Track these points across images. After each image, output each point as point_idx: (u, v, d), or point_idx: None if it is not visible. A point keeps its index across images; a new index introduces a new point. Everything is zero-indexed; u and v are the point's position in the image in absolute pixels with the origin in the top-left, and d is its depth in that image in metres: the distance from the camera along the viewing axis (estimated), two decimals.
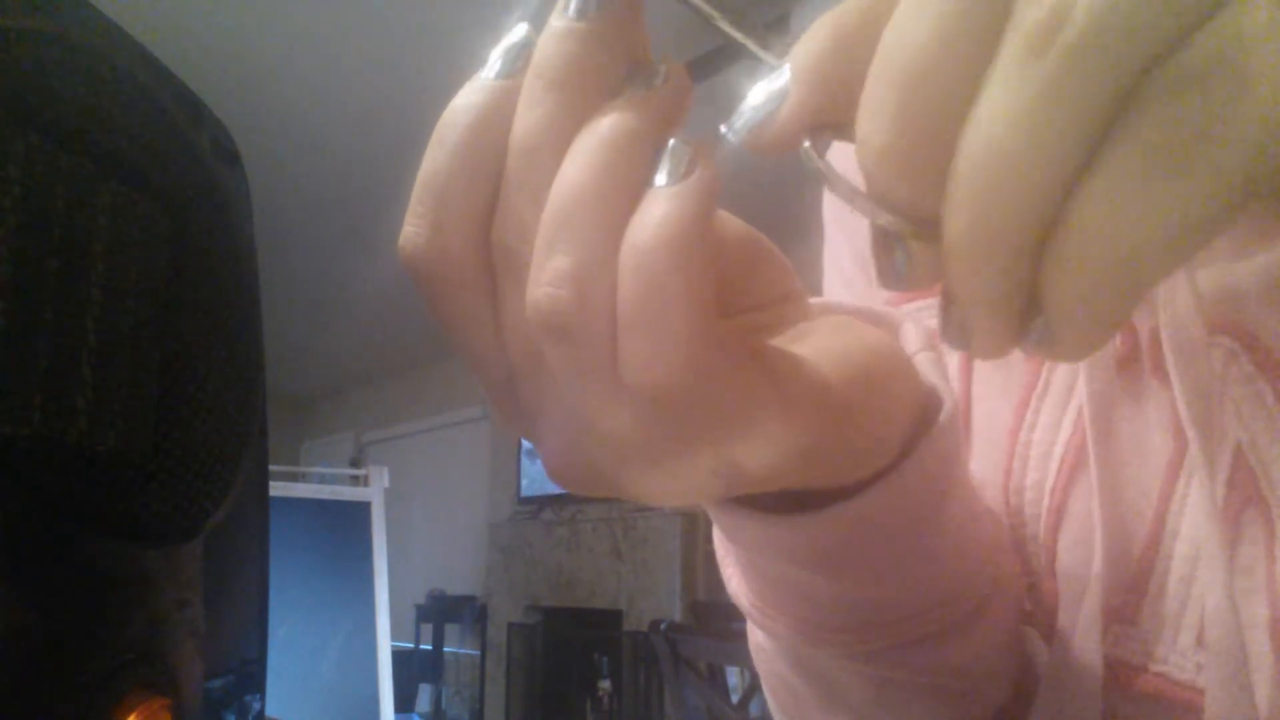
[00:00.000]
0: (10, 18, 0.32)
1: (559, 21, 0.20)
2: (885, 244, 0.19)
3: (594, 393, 0.19)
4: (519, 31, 0.21)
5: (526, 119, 0.20)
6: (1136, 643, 0.31)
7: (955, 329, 0.19)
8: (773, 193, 2.96)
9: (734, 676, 2.52)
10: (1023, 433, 0.35)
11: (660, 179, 0.19)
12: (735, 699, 2.00)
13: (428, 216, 0.20)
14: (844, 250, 0.49)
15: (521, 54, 0.20)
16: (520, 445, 4.61)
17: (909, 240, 0.19)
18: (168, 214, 0.38)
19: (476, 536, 5.05)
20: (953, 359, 0.39)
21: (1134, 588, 0.31)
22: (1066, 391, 0.34)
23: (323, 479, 4.50)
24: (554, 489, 4.37)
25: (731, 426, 0.19)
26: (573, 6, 0.20)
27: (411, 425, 5.85)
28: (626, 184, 0.19)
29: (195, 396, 0.38)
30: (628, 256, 0.18)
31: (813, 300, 0.28)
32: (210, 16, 2.44)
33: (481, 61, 0.21)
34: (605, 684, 4.06)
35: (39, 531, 0.31)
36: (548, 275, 0.18)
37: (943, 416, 0.26)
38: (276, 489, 2.99)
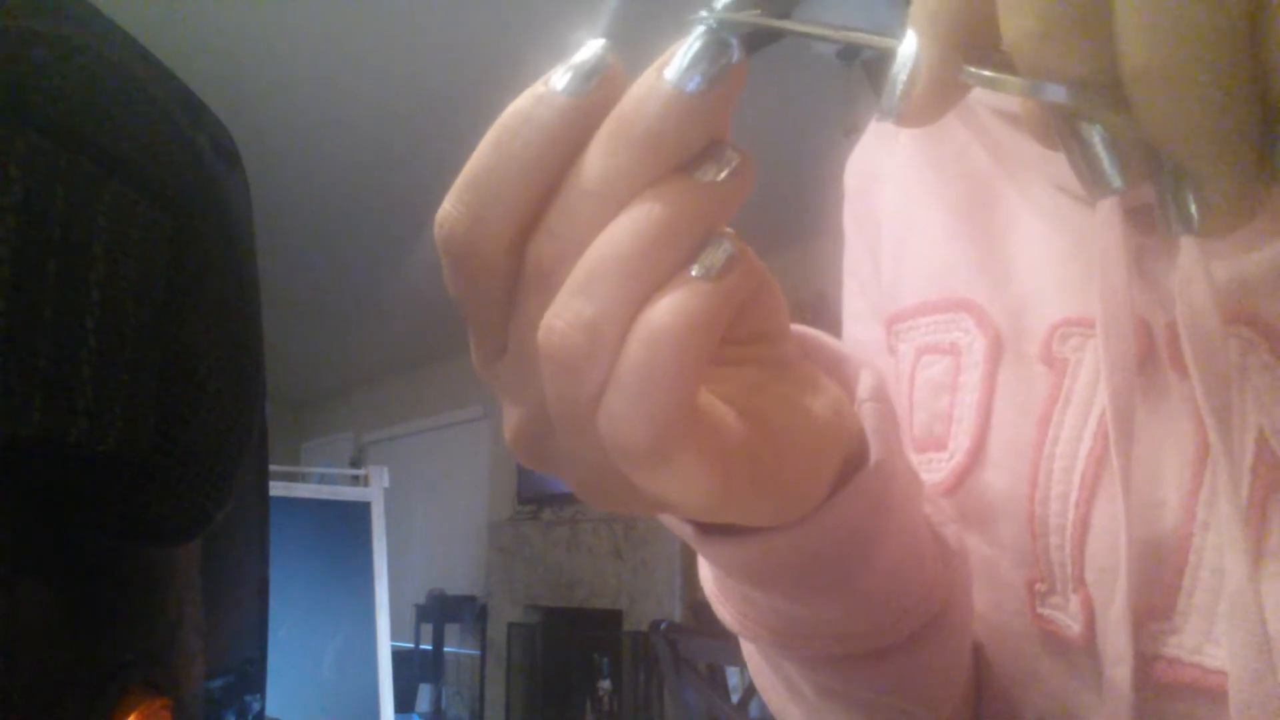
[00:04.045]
0: (11, 18, 0.32)
1: (662, 84, 0.19)
2: (1084, 150, 0.19)
3: (566, 412, 0.21)
4: (595, 47, 0.21)
5: (598, 164, 0.20)
6: (1172, 636, 0.32)
7: (1176, 203, 0.18)
8: (782, 194, 2.96)
9: (734, 676, 2.52)
10: (1046, 446, 0.35)
11: (695, 268, 0.19)
12: (735, 699, 2.00)
13: (471, 206, 0.21)
14: (862, 257, 0.49)
15: (595, 74, 0.20)
16: None
17: (1107, 122, 0.18)
18: (168, 214, 0.38)
19: (476, 536, 5.05)
20: (973, 373, 0.39)
21: (1168, 582, 0.32)
22: (1087, 403, 0.35)
23: (323, 479, 4.50)
24: (554, 489, 4.37)
25: (664, 473, 0.20)
26: (678, 72, 0.19)
27: (411, 425, 5.85)
28: (667, 262, 0.19)
29: (195, 396, 0.38)
30: (641, 326, 0.19)
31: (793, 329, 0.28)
32: (210, 17, 2.44)
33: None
34: (605, 684, 4.06)
35: (39, 531, 0.31)
36: (569, 314, 0.19)
37: (865, 471, 0.27)
38: (276, 489, 2.99)
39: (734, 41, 0.20)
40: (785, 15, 0.21)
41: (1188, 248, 0.30)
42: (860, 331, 0.49)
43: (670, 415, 0.19)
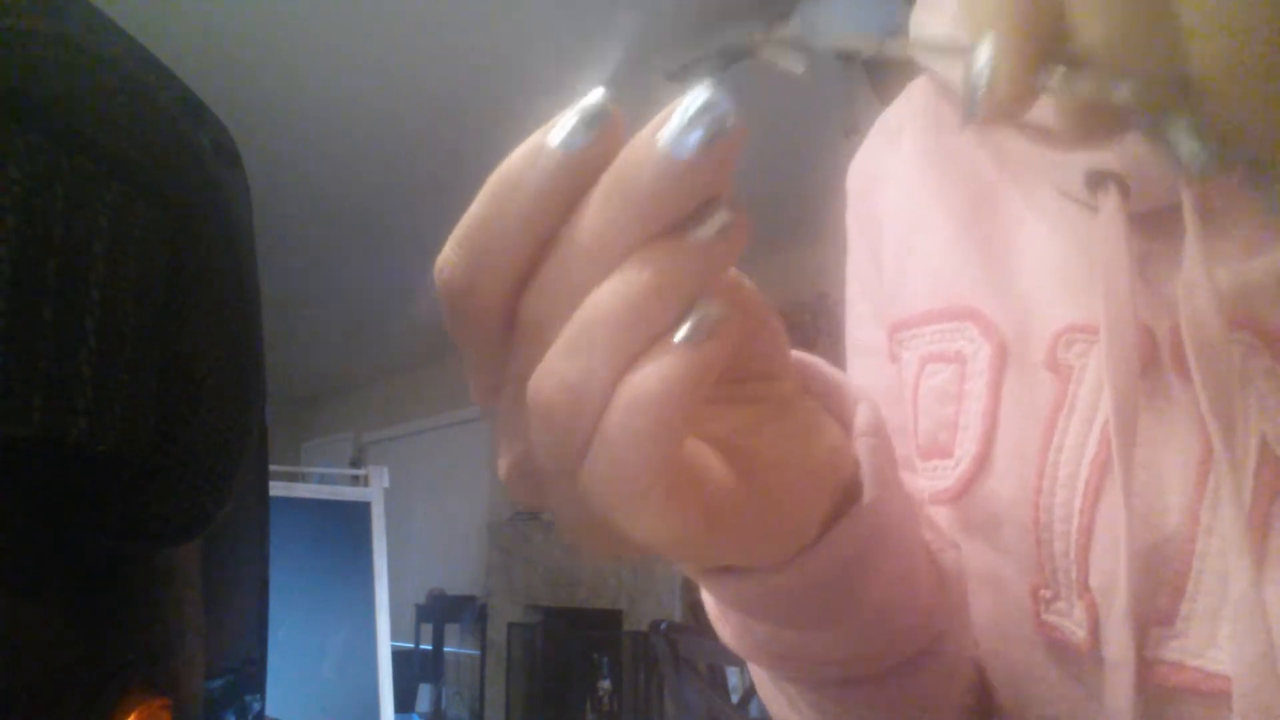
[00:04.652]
0: (10, 18, 0.32)
1: (658, 147, 0.19)
2: (1164, 141, 0.19)
3: (553, 466, 0.21)
4: (595, 97, 0.20)
5: (592, 223, 0.20)
6: (1176, 640, 0.32)
7: (1258, 190, 0.19)
8: (782, 194, 2.97)
9: (734, 676, 2.52)
10: (1050, 453, 0.35)
11: (682, 331, 0.19)
12: (735, 699, 2.01)
13: (470, 255, 0.21)
14: (864, 260, 0.49)
15: (594, 127, 0.20)
16: None
17: (1185, 114, 0.19)
18: (168, 214, 0.38)
19: (476, 536, 5.05)
20: (978, 381, 0.39)
21: (1171, 587, 0.32)
22: (1091, 409, 0.35)
23: (323, 479, 4.50)
24: None
25: (648, 525, 0.20)
26: (673, 135, 0.19)
27: (411, 425, 5.85)
28: (655, 324, 0.20)
29: (195, 396, 0.38)
30: (625, 392, 0.19)
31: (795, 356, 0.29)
32: (210, 16, 2.44)
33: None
34: (605, 684, 4.06)
35: (40, 532, 0.31)
36: (556, 377, 0.20)
37: (857, 509, 0.27)
38: (276, 489, 2.99)
39: (731, 106, 0.19)
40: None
41: (1191, 252, 0.30)
42: (863, 334, 0.49)
43: (651, 474, 0.20)
